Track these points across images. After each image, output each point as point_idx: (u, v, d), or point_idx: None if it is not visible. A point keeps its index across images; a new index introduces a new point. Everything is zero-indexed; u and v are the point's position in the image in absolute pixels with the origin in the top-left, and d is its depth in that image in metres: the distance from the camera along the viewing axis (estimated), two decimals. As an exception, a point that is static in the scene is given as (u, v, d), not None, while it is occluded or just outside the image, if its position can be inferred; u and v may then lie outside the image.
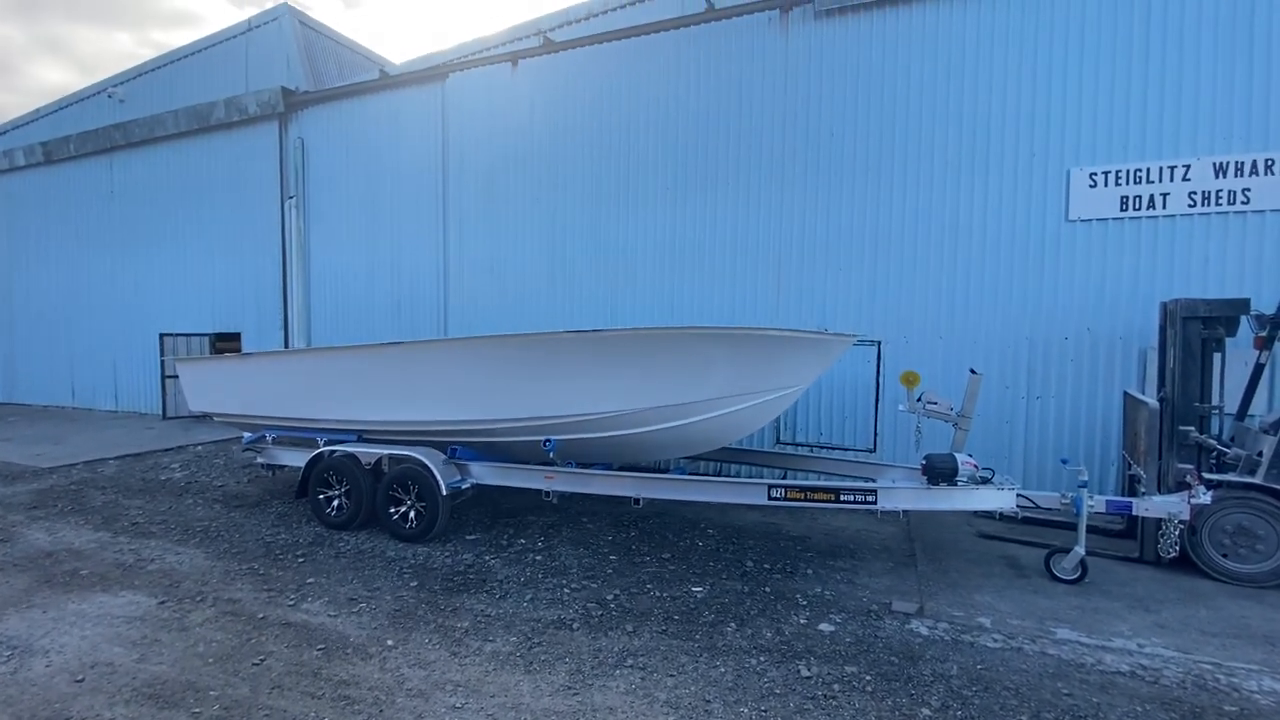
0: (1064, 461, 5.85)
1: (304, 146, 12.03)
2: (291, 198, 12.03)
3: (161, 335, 13.48)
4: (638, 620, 4.47)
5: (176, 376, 13.13)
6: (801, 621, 4.48)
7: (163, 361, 13.38)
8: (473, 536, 6.24)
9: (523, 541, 6.11)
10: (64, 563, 5.59)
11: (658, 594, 4.90)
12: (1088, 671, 3.88)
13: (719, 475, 8.16)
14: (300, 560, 5.61)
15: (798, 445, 8.36)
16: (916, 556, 5.86)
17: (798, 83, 8.30)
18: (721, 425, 5.89)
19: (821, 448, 8.20)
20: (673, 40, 8.96)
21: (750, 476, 8.23)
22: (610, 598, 4.83)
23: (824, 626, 4.42)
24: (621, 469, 6.57)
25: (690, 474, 6.53)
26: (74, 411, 15.00)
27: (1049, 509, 5.40)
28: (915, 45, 7.78)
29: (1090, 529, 5.18)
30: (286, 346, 12.01)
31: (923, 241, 7.80)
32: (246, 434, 7.62)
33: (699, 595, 4.89)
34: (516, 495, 7.45)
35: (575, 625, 4.40)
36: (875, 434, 8.01)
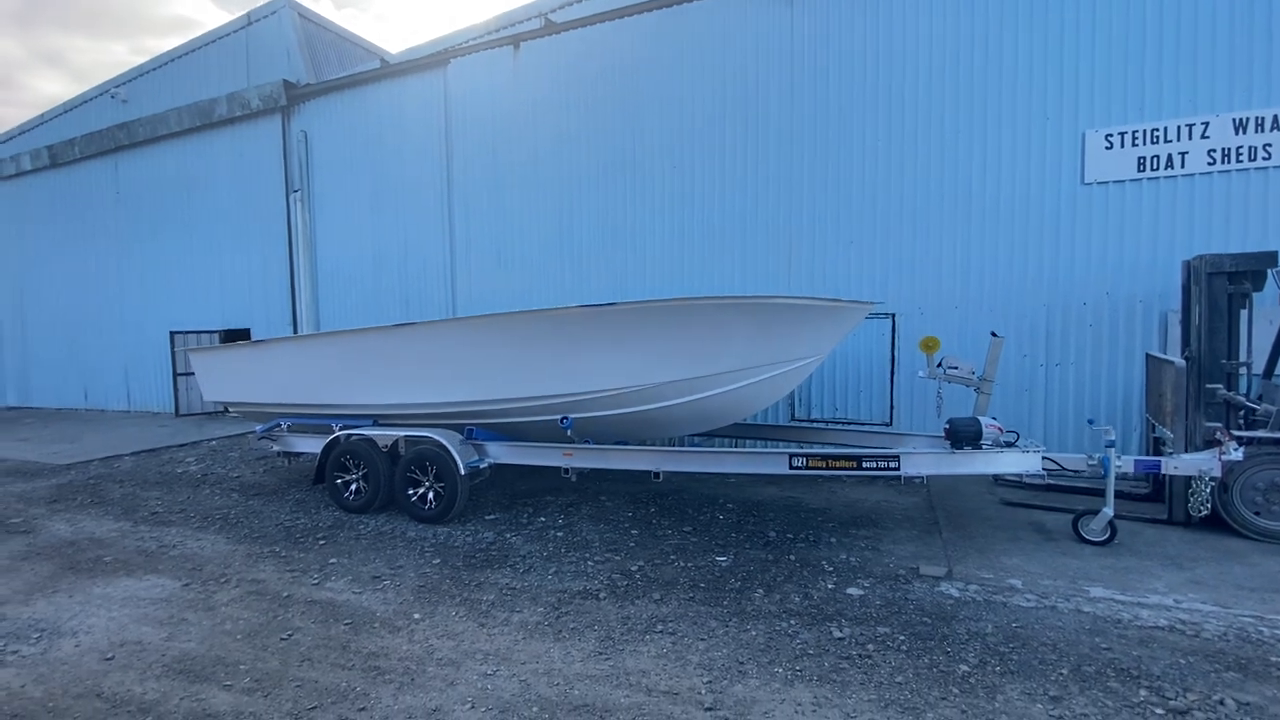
0: (1090, 421, 5.76)
1: (307, 139, 11.99)
2: (296, 191, 12.00)
3: (172, 333, 13.51)
4: (664, 589, 4.43)
5: (189, 374, 13.20)
6: (829, 586, 4.44)
7: (174, 359, 13.40)
8: (492, 516, 6.21)
9: (543, 519, 6.08)
10: (86, 550, 5.60)
11: (682, 564, 4.86)
12: (1125, 627, 3.82)
13: (719, 448, 8.10)
14: (321, 543, 5.60)
15: (813, 421, 8.29)
16: (940, 524, 5.80)
17: (804, 56, 8.19)
18: (738, 399, 5.84)
19: (837, 422, 8.13)
20: (677, 16, 8.86)
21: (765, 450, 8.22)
22: (635, 569, 4.80)
23: (853, 591, 4.37)
24: (634, 444, 6.54)
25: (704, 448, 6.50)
26: (87, 413, 15.08)
27: (1075, 472, 5.32)
28: (923, 12, 7.65)
29: (1116, 494, 5.10)
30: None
31: (935, 211, 7.69)
32: (259, 426, 7.62)
33: (723, 564, 4.84)
34: (533, 476, 7.43)
35: (601, 595, 4.36)
36: (891, 407, 7.94)
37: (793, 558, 4.97)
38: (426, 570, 4.90)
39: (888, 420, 7.93)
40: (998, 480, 6.65)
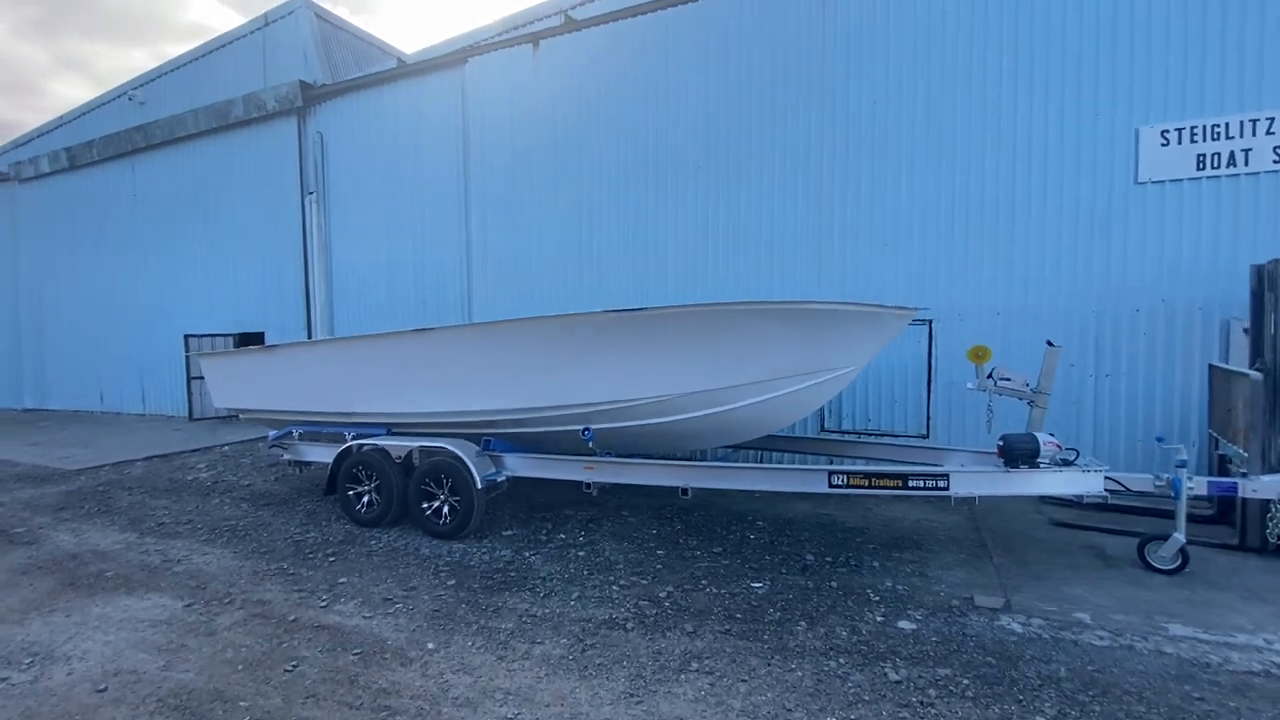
0: (1159, 440, 5.33)
1: (323, 141, 11.83)
2: (312, 193, 11.84)
3: (186, 336, 13.41)
4: (697, 619, 4.09)
5: (202, 377, 13.09)
6: (878, 619, 4.07)
7: (188, 363, 13.29)
8: (509, 532, 5.90)
9: (562, 536, 5.76)
10: (89, 564, 5.36)
11: (714, 590, 4.51)
12: (1215, 672, 3.42)
13: (749, 463, 7.73)
14: (331, 559, 5.32)
15: (843, 432, 7.90)
16: (989, 547, 5.40)
17: (836, 52, 7.84)
18: (771, 410, 5.49)
19: (869, 434, 7.75)
20: (701, 13, 8.55)
21: (794, 464, 7.84)
22: (664, 595, 4.46)
23: (904, 624, 4.00)
24: (659, 458, 6.21)
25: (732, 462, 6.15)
26: (102, 416, 15.03)
27: (1140, 493, 4.90)
28: (963, 4, 7.27)
29: (1150, 512, 4.68)
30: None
31: (975, 212, 7.30)
32: (271, 432, 7.40)
33: (759, 591, 4.49)
34: (551, 489, 7.10)
35: (629, 625, 4.03)
36: (928, 419, 7.54)
37: (834, 584, 4.60)
38: (441, 592, 4.60)
39: (924, 433, 7.53)
40: (1044, 498, 6.23)
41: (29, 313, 16.67)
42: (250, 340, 12.90)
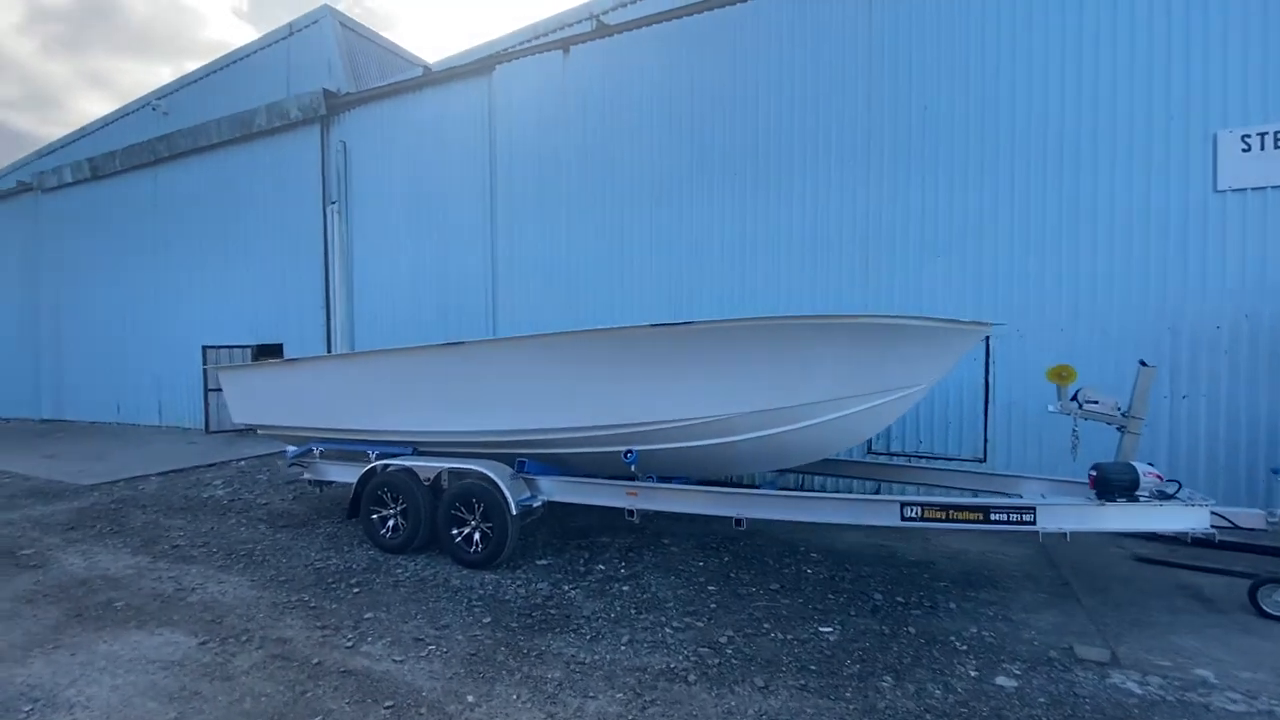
0: (1275, 471, 4.83)
1: (346, 150, 11.64)
2: (334, 203, 11.62)
3: (204, 348, 13.19)
4: (766, 671, 3.64)
5: (219, 389, 12.85)
6: (972, 674, 3.60)
7: (205, 374, 13.06)
8: (544, 561, 5.49)
9: (602, 568, 5.33)
10: (98, 593, 5.01)
11: (780, 636, 4.07)
12: (1386, 750, 2.93)
13: (801, 489, 7.28)
14: (355, 590, 4.93)
15: (892, 455, 7.43)
16: (1072, 586, 4.92)
17: (884, 53, 7.48)
18: (831, 432, 5.06)
19: (921, 457, 7.27)
20: (738, 16, 8.25)
21: (840, 490, 7.39)
22: (724, 640, 4.02)
23: (1003, 681, 3.53)
24: (701, 482, 5.80)
25: (781, 489, 5.73)
26: (118, 428, 14.84)
27: (1250, 529, 4.41)
28: (1019, 3, 6.90)
29: (1271, 552, 4.20)
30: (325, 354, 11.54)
31: (1037, 220, 6.86)
32: (289, 448, 7.07)
33: (831, 638, 4.03)
34: (584, 513, 6.70)
35: (690, 677, 3.59)
36: (985, 442, 7.05)
37: (912, 630, 4.14)
38: (477, 632, 4.19)
39: (980, 457, 7.03)
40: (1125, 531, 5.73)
41: (48, 322, 16.59)
42: (268, 352, 12.66)
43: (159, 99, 14.20)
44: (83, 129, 16.05)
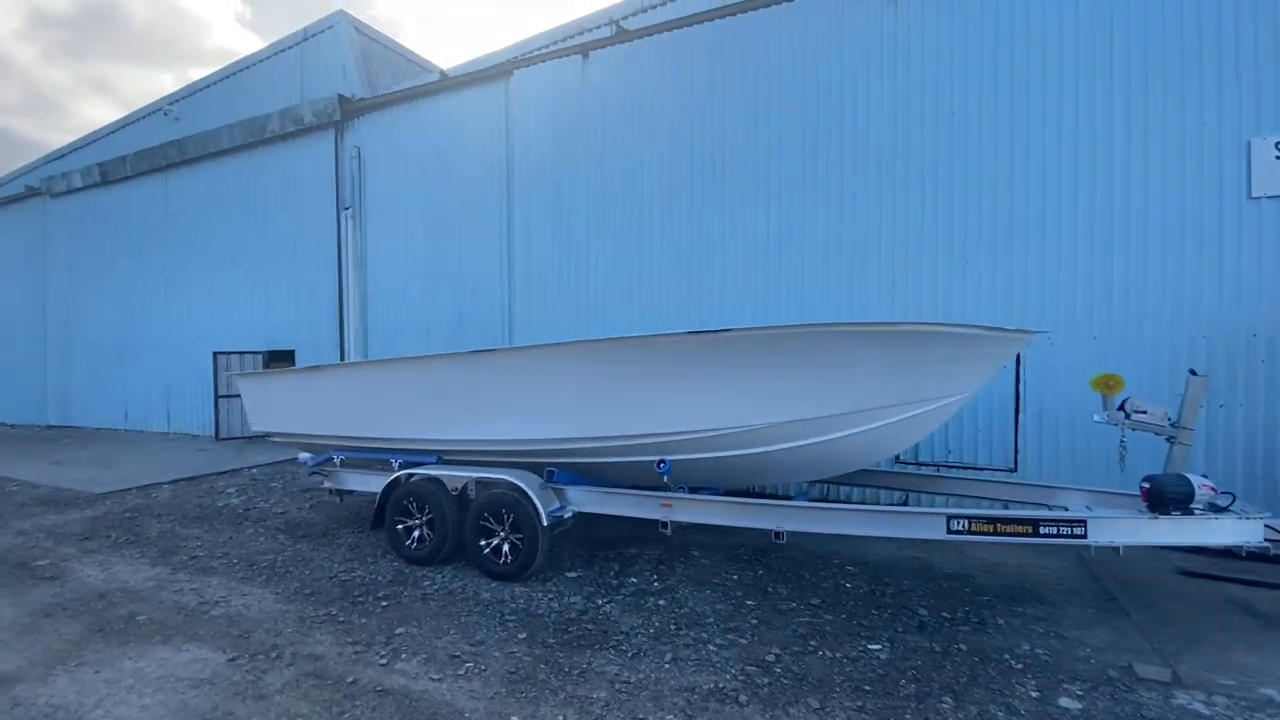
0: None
1: (360, 156, 11.57)
2: (348, 209, 11.55)
3: (215, 354, 13.08)
4: (820, 691, 3.52)
5: (233, 395, 12.71)
6: (1033, 695, 3.48)
7: (215, 380, 12.94)
8: (574, 574, 5.36)
9: (634, 580, 5.21)
10: (119, 606, 4.89)
11: (828, 654, 3.94)
12: None
13: (827, 499, 7.15)
14: (384, 604, 4.80)
15: (920, 464, 7.32)
16: (1119, 601, 4.79)
17: (909, 58, 7.41)
18: (870, 441, 4.96)
19: (950, 466, 7.16)
20: (763, 20, 8.19)
21: (866, 500, 7.28)
22: (771, 658, 3.89)
23: (1066, 702, 3.40)
24: (730, 492, 5.69)
25: (814, 499, 5.63)
26: (126, 434, 14.71)
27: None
28: (1050, 6, 6.83)
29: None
30: (343, 361, 11.43)
31: (1069, 229, 6.77)
32: (303, 455, 6.92)
33: (881, 657, 3.91)
34: (608, 523, 6.56)
35: (741, 697, 3.47)
36: (1015, 451, 6.94)
37: (963, 648, 4.01)
38: (514, 649, 4.06)
39: (1011, 466, 6.92)
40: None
41: (56, 328, 16.48)
42: (280, 358, 12.55)
43: (171, 104, 14.15)
44: (92, 134, 16.01)
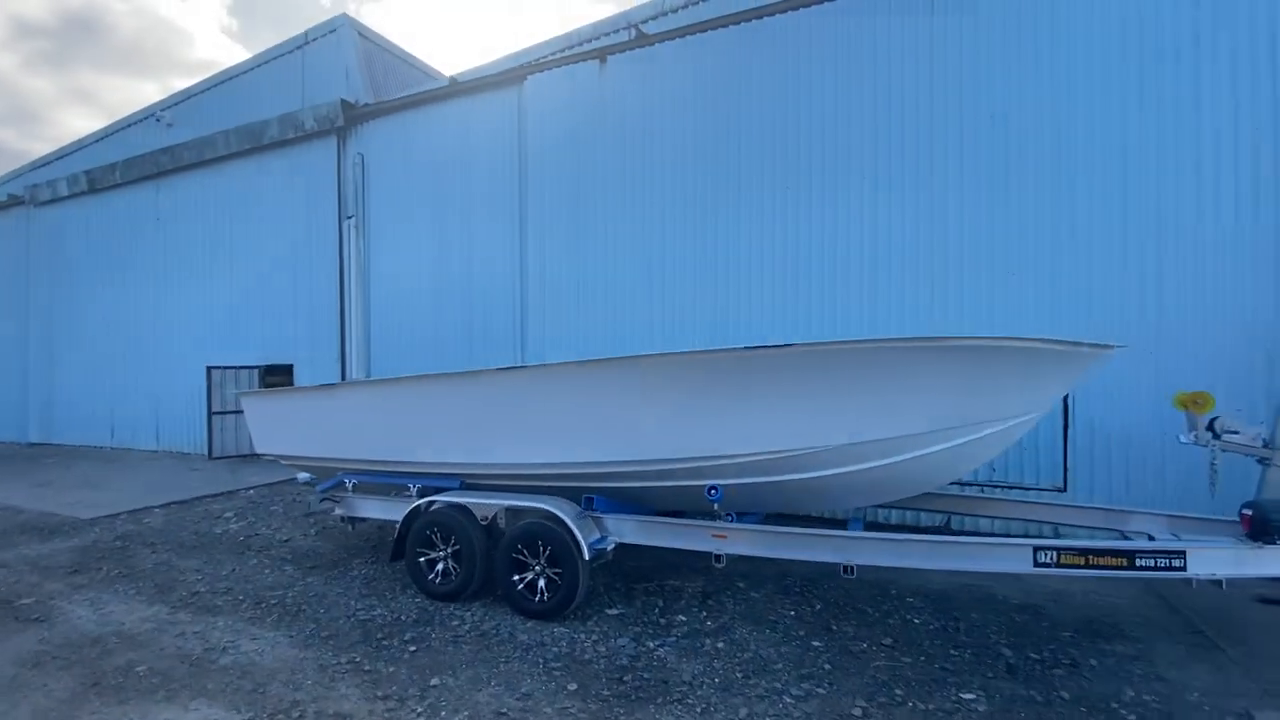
0: None
1: (364, 163, 11.16)
2: (350, 218, 11.12)
3: (209, 368, 12.51)
4: (923, 754, 3.13)
5: (227, 412, 12.17)
6: (1161, 754, 3.11)
7: (209, 396, 12.37)
8: (615, 611, 4.94)
9: (683, 619, 4.79)
10: (115, 654, 4.40)
11: (920, 705, 3.55)
12: None
13: (879, 525, 6.79)
14: (412, 649, 4.35)
15: (964, 484, 6.94)
16: (1206, 634, 4.46)
17: (947, 58, 7.16)
18: (938, 462, 4.62)
19: (995, 486, 6.80)
20: (787, 23, 7.92)
21: (906, 524, 6.94)
22: (858, 712, 3.49)
23: (1201, 764, 3.04)
24: (775, 519, 5.33)
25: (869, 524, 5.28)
26: (112, 452, 14.06)
27: None
28: (1097, 7, 6.62)
29: None
30: (344, 379, 10.95)
31: (1118, 236, 6.51)
32: (301, 475, 6.49)
33: (980, 709, 3.52)
34: (643, 552, 6.14)
35: (837, 763, 3.07)
36: (1065, 469, 6.60)
37: (1065, 695, 3.64)
38: (566, 703, 3.63)
39: (1061, 485, 6.57)
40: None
41: (38, 341, 15.80)
42: (277, 373, 12.04)
43: (164, 110, 13.68)
44: (77, 142, 15.47)
